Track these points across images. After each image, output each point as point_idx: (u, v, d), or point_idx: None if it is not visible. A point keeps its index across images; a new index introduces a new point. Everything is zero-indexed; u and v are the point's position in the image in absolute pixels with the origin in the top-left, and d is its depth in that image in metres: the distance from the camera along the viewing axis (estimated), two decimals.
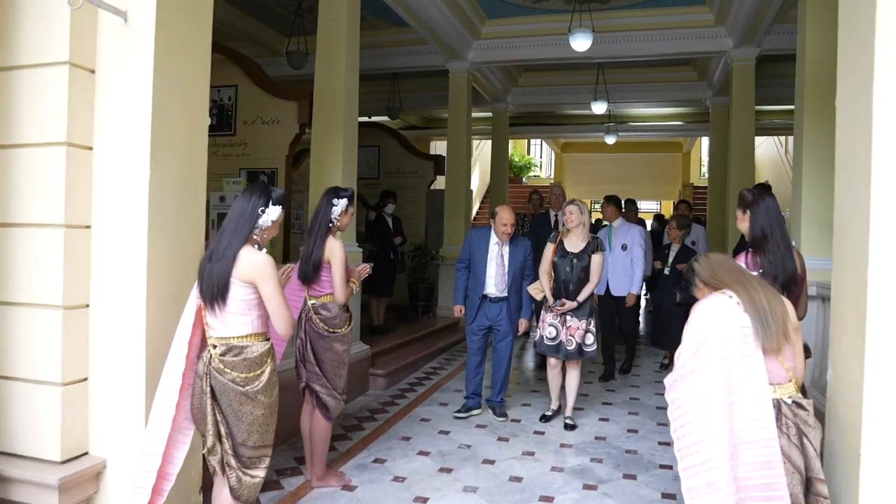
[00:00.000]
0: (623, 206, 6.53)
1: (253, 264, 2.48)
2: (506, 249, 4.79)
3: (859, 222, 2.05)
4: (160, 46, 2.77)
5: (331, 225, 3.51)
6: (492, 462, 4.07)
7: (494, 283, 4.79)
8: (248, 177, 5.45)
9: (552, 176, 21.12)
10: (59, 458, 2.74)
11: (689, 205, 8.00)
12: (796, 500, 1.95)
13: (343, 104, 5.30)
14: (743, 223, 2.91)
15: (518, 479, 3.80)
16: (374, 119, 11.15)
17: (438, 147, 15.72)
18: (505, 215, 4.72)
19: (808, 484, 1.99)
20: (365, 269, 3.82)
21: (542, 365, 6.11)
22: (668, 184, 18.97)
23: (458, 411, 4.97)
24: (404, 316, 8.44)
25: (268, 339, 2.61)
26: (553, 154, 21.53)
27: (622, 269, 5.96)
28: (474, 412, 4.97)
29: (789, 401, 2.01)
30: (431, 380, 6.22)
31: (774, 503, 1.87)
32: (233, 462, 2.50)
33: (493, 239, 4.81)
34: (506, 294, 4.79)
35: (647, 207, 18.15)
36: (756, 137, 16.32)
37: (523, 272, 4.83)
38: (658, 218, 10.71)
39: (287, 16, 8.14)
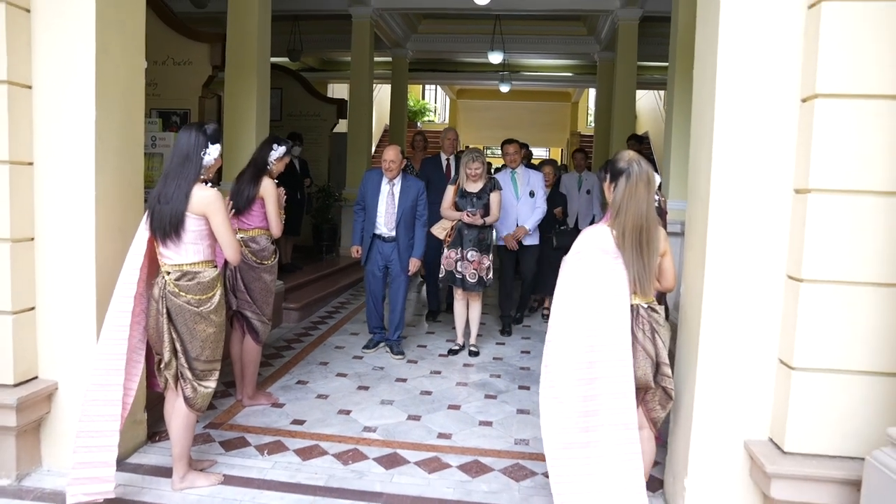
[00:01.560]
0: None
1: (204, 199, 2.77)
2: (397, 189, 4.92)
3: (704, 165, 2.65)
4: None
5: (268, 167, 3.80)
6: (404, 380, 4.58)
7: (384, 221, 4.94)
8: (161, 117, 5.48)
9: (447, 121, 21.53)
10: (12, 382, 2.95)
11: (585, 153, 7.84)
12: (647, 380, 2.57)
13: (256, 47, 5.42)
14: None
15: (428, 393, 4.34)
16: (274, 60, 11.01)
17: (336, 90, 15.67)
18: (387, 153, 4.89)
19: (657, 367, 2.61)
20: (282, 192, 4.01)
21: (433, 313, 6.40)
22: (558, 132, 19.95)
23: (366, 346, 5.22)
24: (310, 255, 8.71)
25: (216, 266, 2.91)
26: (448, 100, 21.89)
27: (529, 217, 5.68)
28: (380, 346, 5.22)
29: (646, 305, 2.60)
30: (340, 313, 6.63)
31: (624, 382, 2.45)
32: (188, 374, 2.83)
33: (384, 179, 4.95)
34: (395, 233, 4.92)
35: (536, 154, 19.03)
36: (638, 91, 17.44)
37: (414, 212, 4.94)
38: (550, 163, 11.38)
39: None
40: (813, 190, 2.36)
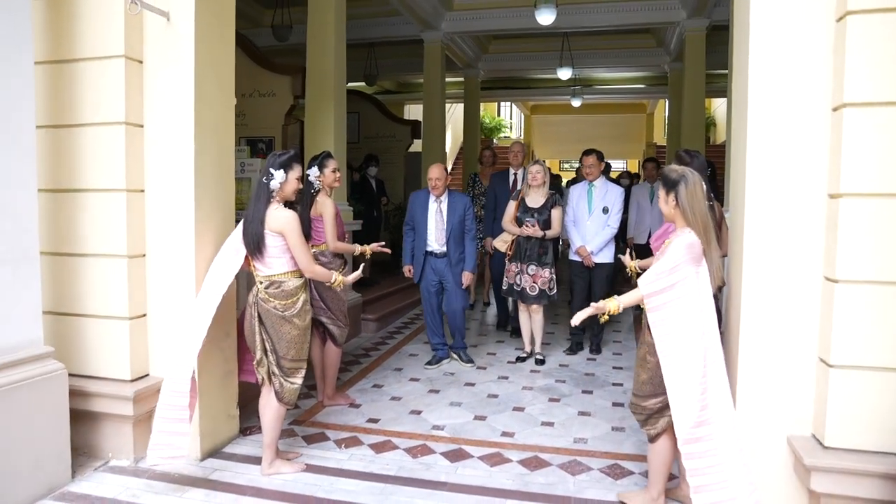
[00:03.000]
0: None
1: (277, 219, 3.17)
2: (444, 205, 5.06)
3: (740, 174, 2.79)
4: (199, 39, 3.37)
5: (312, 188, 4.14)
6: (472, 384, 4.85)
7: (435, 237, 5.09)
8: (249, 144, 6.04)
9: (522, 136, 21.77)
10: (129, 378, 3.43)
11: (656, 162, 7.61)
12: None
13: (333, 77, 5.89)
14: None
15: (495, 396, 4.59)
16: (351, 85, 11.64)
17: (412, 110, 16.23)
18: (431, 172, 5.06)
19: None
20: (375, 246, 4.40)
21: (502, 323, 6.58)
22: (634, 143, 19.78)
23: (429, 363, 5.29)
24: (386, 270, 9.12)
25: (301, 276, 3.29)
26: (522, 115, 22.12)
27: (596, 235, 5.41)
28: (444, 362, 5.32)
29: None
30: (415, 324, 6.97)
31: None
32: (276, 371, 3.22)
33: (431, 197, 5.10)
34: (446, 248, 5.05)
35: (614, 167, 18.95)
36: (717, 99, 17.04)
37: (463, 227, 5.07)
38: (628, 175, 11.26)
39: None
40: (845, 195, 2.48)
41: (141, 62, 3.43)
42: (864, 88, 2.44)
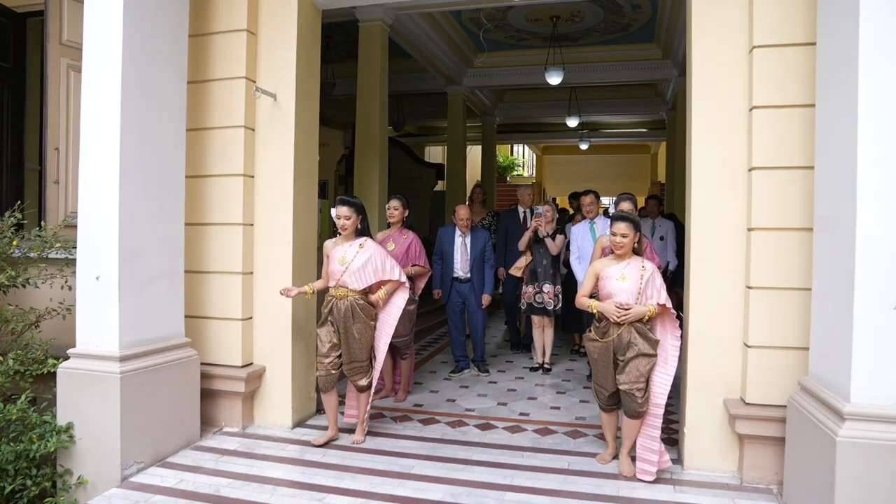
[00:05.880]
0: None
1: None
2: (468, 240, 6.06)
3: (689, 211, 3.95)
4: (298, 115, 4.61)
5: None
6: (495, 382, 5.97)
7: (460, 266, 6.09)
8: None
9: (534, 175, 23.04)
10: (240, 364, 4.58)
11: (658, 199, 8.34)
12: None
13: (378, 131, 7.15)
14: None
15: (513, 390, 5.71)
16: None
17: (432, 152, 17.56)
18: (460, 213, 6.06)
19: None
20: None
21: (514, 343, 7.61)
22: (639, 181, 20.92)
23: (453, 371, 6.27)
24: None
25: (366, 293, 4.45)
26: (534, 155, 23.43)
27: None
28: (465, 372, 6.26)
29: None
30: (443, 339, 8.11)
31: None
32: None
33: (458, 232, 6.09)
34: (470, 275, 6.09)
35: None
36: None
37: (483, 257, 6.05)
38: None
39: None
40: (755, 228, 3.62)
41: (254, 130, 4.67)
42: (765, 156, 3.61)
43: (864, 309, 2.70)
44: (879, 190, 2.70)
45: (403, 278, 4.42)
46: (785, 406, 3.47)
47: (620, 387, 3.72)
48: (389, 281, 4.37)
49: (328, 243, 4.42)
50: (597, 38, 9.65)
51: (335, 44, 9.61)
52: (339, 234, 4.35)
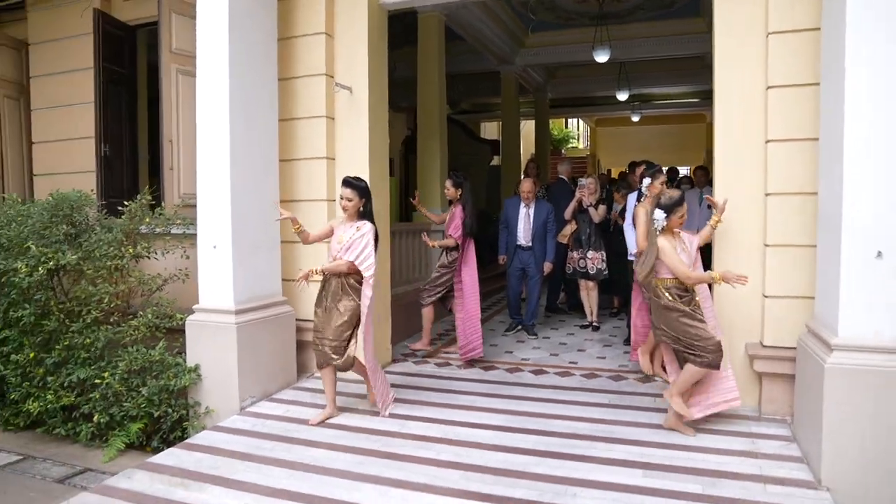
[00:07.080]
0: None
1: None
2: (531, 210, 6.61)
3: (718, 179, 4.49)
4: (371, 104, 5.33)
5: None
6: (548, 337, 6.65)
7: (523, 235, 6.61)
8: None
9: (588, 147, 23.29)
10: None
11: (705, 170, 8.28)
12: None
13: (437, 112, 7.83)
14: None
15: (564, 343, 6.38)
16: None
17: (487, 128, 18.11)
18: (525, 186, 6.67)
19: None
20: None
21: (556, 309, 8.17)
22: (693, 150, 20.96)
23: (507, 329, 6.98)
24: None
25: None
26: (588, 128, 23.65)
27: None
28: (517, 328, 6.92)
29: None
30: (500, 304, 8.81)
31: None
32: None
33: (522, 203, 6.66)
34: (531, 244, 6.62)
35: (682, 172, 20.20)
36: None
37: (546, 227, 6.55)
38: (689, 180, 12.18)
39: None
40: (771, 193, 4.15)
41: (333, 119, 5.41)
42: (779, 130, 4.12)
43: (849, 256, 3.25)
44: (861, 157, 3.22)
45: (367, 274, 4.22)
46: (795, 347, 4.03)
47: None
48: (351, 262, 4.22)
49: (335, 221, 4.54)
50: (642, 16, 10.00)
51: (394, 32, 10.24)
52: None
